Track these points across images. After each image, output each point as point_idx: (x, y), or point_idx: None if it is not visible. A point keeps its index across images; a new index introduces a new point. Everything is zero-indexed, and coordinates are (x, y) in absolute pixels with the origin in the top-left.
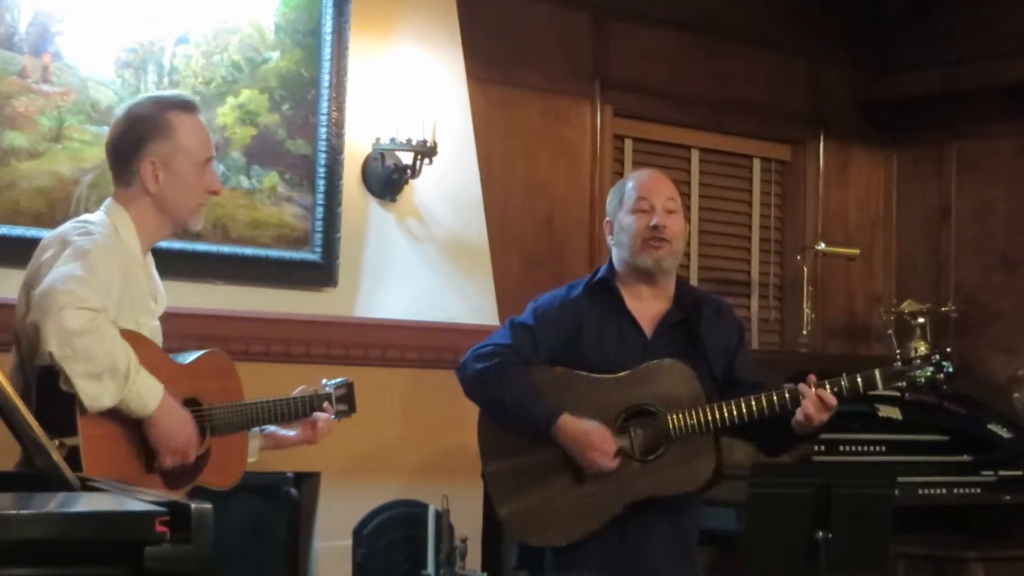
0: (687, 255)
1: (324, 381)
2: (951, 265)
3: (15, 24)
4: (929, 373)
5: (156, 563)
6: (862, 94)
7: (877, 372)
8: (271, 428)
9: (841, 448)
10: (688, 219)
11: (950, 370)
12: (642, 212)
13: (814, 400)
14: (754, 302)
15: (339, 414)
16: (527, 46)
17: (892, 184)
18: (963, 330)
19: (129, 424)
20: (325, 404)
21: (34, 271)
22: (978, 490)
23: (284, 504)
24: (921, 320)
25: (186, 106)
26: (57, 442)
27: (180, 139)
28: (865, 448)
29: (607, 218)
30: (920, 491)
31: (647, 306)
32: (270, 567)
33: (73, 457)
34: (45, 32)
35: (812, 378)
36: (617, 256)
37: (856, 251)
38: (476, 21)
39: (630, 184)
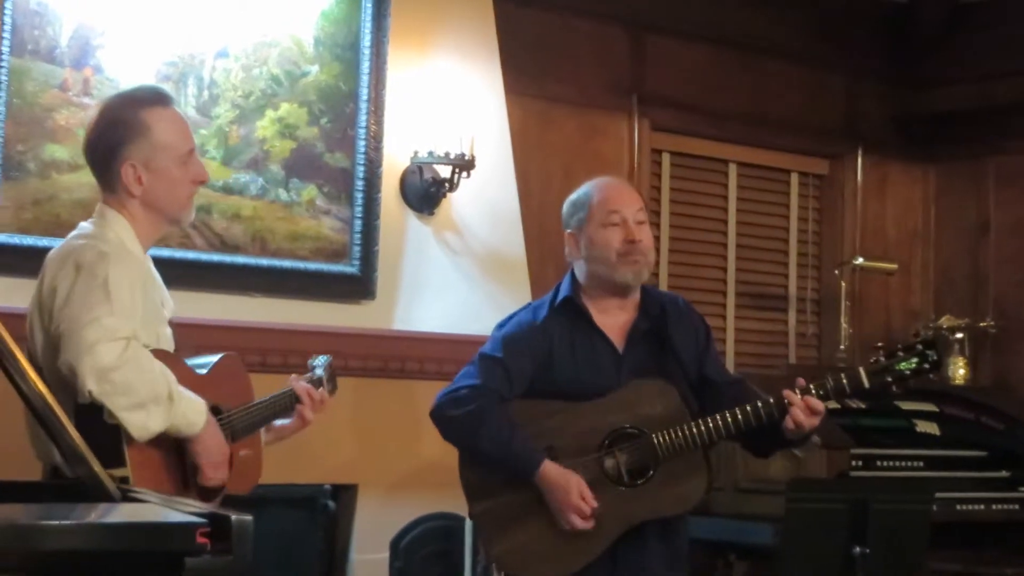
0: (723, 269)
1: (311, 363)
2: (989, 280)
3: (56, 38)
4: (914, 364)
5: (197, 574)
6: (899, 109)
7: (861, 369)
8: (276, 422)
9: (879, 463)
10: (727, 232)
11: (935, 358)
12: (614, 226)
13: (802, 407)
14: (791, 317)
15: (332, 392)
16: (564, 60)
17: (930, 199)
18: (1001, 345)
19: (168, 447)
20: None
21: (48, 295)
22: (1016, 506)
23: (321, 517)
24: (959, 335)
25: (161, 100)
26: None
27: (157, 137)
28: (903, 463)
29: (567, 231)
30: (958, 507)
31: (614, 319)
32: None
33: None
34: (86, 46)
35: (801, 382)
36: (586, 271)
37: (894, 266)
38: (514, 35)
39: (596, 197)
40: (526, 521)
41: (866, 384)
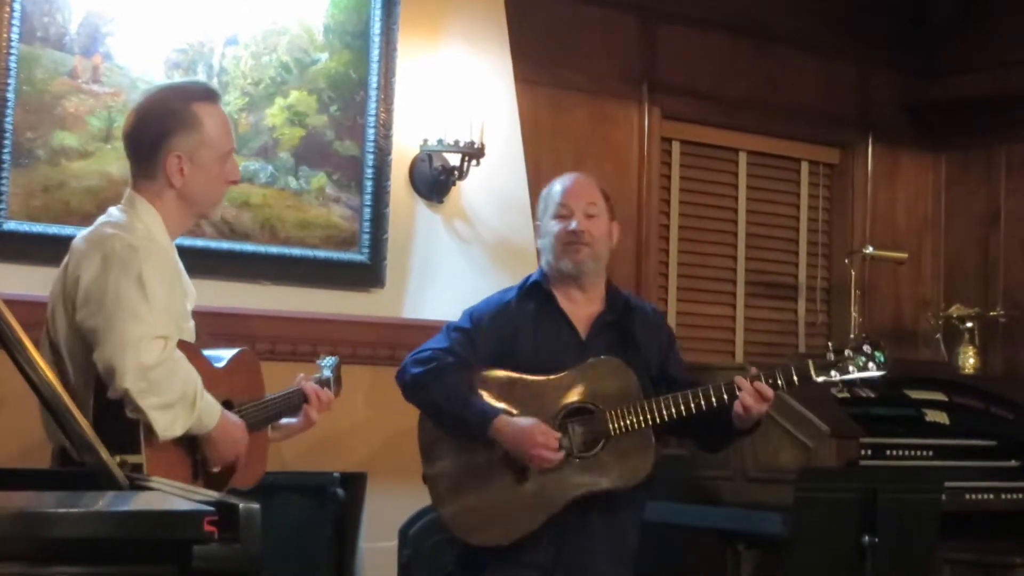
0: (733, 258)
1: (320, 363)
2: (1000, 269)
3: (66, 25)
4: (860, 363)
5: (204, 562)
6: (910, 97)
7: (810, 363)
8: (283, 420)
9: (888, 453)
10: (736, 221)
11: (882, 359)
12: (562, 217)
13: (752, 392)
14: (801, 305)
15: (337, 393)
16: (575, 48)
17: (941, 188)
18: (1012, 335)
19: (180, 440)
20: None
21: (72, 283)
22: None
23: (330, 504)
24: (969, 325)
25: (210, 96)
26: (119, 459)
27: (206, 132)
28: (912, 453)
29: (536, 221)
30: (967, 496)
31: (580, 308)
32: (316, 567)
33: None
34: (95, 33)
35: (753, 370)
36: (544, 260)
37: (904, 255)
38: (524, 23)
39: (552, 190)
40: (476, 485)
41: (814, 377)
